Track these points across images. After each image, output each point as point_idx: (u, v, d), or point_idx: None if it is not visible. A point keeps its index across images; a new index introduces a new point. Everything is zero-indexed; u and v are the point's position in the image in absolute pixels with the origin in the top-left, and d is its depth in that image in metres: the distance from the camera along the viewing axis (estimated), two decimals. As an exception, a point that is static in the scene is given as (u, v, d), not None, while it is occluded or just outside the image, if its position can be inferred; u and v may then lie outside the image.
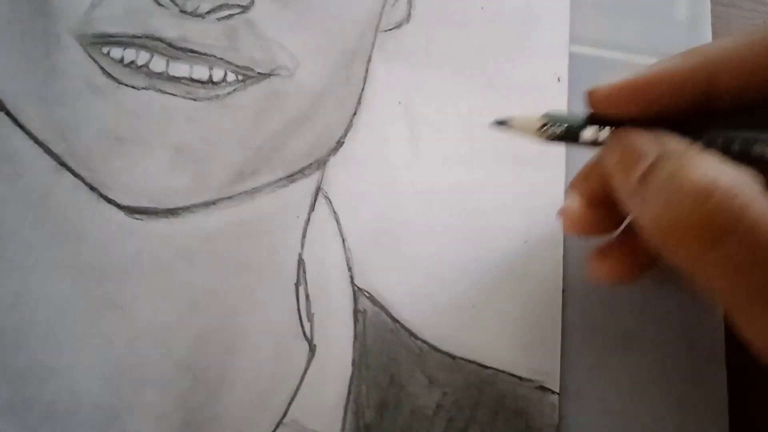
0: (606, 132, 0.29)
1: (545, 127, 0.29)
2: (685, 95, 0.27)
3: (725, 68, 0.27)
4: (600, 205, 0.30)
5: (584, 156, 0.35)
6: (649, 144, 0.26)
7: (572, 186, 0.32)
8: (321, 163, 0.34)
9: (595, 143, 0.29)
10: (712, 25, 0.40)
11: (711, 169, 0.24)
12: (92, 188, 0.31)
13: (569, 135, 0.29)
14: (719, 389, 0.34)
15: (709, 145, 0.26)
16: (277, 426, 0.30)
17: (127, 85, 0.32)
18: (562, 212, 0.31)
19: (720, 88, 0.27)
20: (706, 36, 0.40)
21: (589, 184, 0.30)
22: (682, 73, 0.27)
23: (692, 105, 0.27)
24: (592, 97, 0.29)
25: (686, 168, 0.24)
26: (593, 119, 0.29)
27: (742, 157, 0.25)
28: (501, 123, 0.31)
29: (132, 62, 0.33)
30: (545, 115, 0.30)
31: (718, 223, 0.23)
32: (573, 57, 0.38)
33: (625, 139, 0.27)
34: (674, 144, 0.26)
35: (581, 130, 0.29)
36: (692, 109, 0.27)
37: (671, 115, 0.27)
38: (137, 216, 0.31)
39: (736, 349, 0.33)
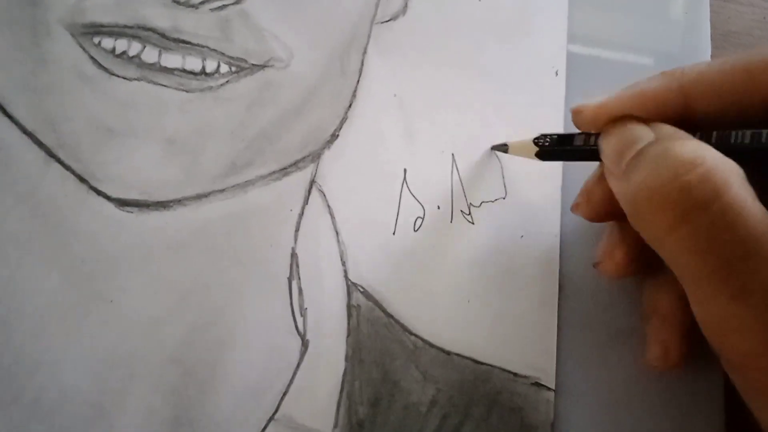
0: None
1: (539, 140, 0.32)
2: (662, 117, 0.28)
3: (699, 92, 0.28)
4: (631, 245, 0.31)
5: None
6: (643, 130, 0.27)
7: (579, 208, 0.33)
8: (315, 156, 0.33)
9: (590, 149, 0.30)
10: (711, 21, 0.40)
11: (698, 149, 0.24)
12: (82, 180, 0.31)
13: (563, 142, 0.31)
14: (715, 386, 0.34)
15: (701, 138, 0.27)
16: (269, 422, 0.30)
17: (118, 75, 0.32)
18: (600, 266, 0.32)
19: (695, 110, 0.28)
20: (704, 33, 0.40)
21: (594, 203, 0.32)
22: (658, 96, 0.28)
23: (670, 121, 0.28)
24: (575, 117, 0.31)
25: (675, 145, 0.25)
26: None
27: (724, 150, 0.25)
28: (499, 147, 0.34)
29: (123, 53, 0.32)
30: (539, 135, 0.32)
31: (694, 196, 0.23)
32: (570, 55, 0.38)
33: (621, 126, 0.28)
34: (667, 129, 0.27)
35: (573, 138, 0.31)
36: (671, 123, 0.28)
37: None
38: (127, 208, 0.31)
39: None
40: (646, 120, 0.28)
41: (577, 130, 0.32)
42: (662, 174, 0.24)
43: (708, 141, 0.26)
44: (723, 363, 0.26)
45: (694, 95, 0.28)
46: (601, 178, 0.31)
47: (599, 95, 0.30)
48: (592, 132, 0.30)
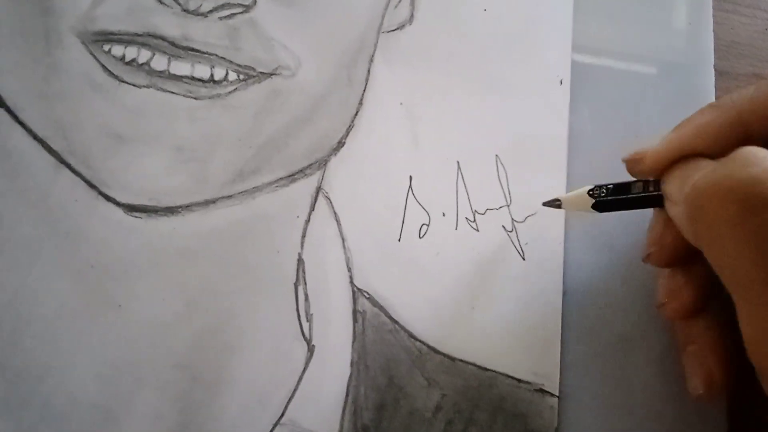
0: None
1: (594, 192, 0.31)
2: (722, 149, 0.26)
3: (757, 120, 0.26)
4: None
5: (585, 155, 0.35)
6: (706, 162, 0.26)
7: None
8: (322, 163, 0.34)
9: (648, 194, 0.29)
10: (714, 31, 0.40)
11: (765, 150, 0.23)
12: (91, 186, 0.31)
13: (620, 191, 0.30)
14: (719, 394, 0.34)
15: None
16: (275, 426, 0.30)
17: (128, 83, 0.32)
18: (665, 307, 0.31)
19: (755, 137, 0.26)
20: (707, 43, 0.40)
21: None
22: (718, 130, 0.27)
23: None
24: (633, 165, 0.30)
25: (744, 148, 0.23)
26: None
27: None
28: (551, 203, 0.33)
29: (133, 60, 0.32)
30: (594, 186, 0.31)
31: (762, 191, 0.22)
32: (575, 65, 0.38)
33: (685, 165, 0.27)
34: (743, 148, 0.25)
35: (630, 186, 0.30)
36: None
37: None
38: (136, 214, 0.31)
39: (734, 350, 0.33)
40: (710, 157, 0.27)
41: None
42: (728, 166, 0.23)
43: None
44: (764, 382, 0.24)
45: (751, 123, 0.26)
46: (667, 224, 0.29)
47: (653, 140, 0.29)
48: (651, 178, 0.30)
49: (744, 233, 0.22)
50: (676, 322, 0.32)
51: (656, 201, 0.29)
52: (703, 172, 0.24)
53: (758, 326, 0.22)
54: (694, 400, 0.30)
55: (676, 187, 0.27)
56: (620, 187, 0.31)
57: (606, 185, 0.31)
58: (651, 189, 0.30)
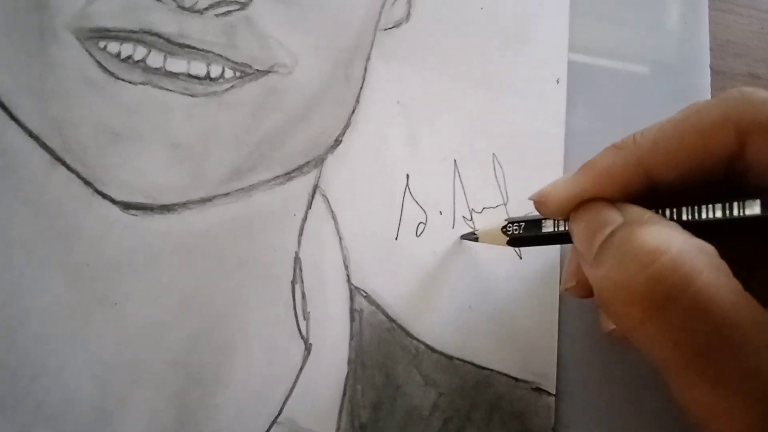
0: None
1: (507, 229, 0.31)
2: (627, 194, 0.27)
3: (657, 164, 0.27)
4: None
5: (581, 154, 0.35)
6: (612, 214, 0.26)
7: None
8: (319, 162, 0.34)
9: (559, 233, 0.30)
10: (710, 31, 0.41)
11: (663, 235, 0.23)
12: (87, 183, 0.31)
13: (531, 229, 0.31)
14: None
15: (672, 215, 0.26)
16: (272, 425, 0.30)
17: (123, 80, 0.32)
18: (567, 291, 0.31)
19: (658, 181, 0.27)
20: (703, 43, 0.40)
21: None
22: (620, 174, 0.27)
23: (636, 195, 0.27)
24: (539, 207, 0.29)
25: (640, 232, 0.24)
26: None
27: (697, 225, 0.25)
28: (468, 237, 0.34)
29: (129, 57, 0.32)
30: (506, 220, 0.32)
31: (662, 288, 0.22)
32: (571, 64, 0.38)
33: (589, 210, 0.27)
34: (636, 212, 0.26)
35: (541, 223, 0.30)
36: (637, 196, 0.27)
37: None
38: (132, 212, 0.31)
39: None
40: (612, 201, 0.27)
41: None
42: (627, 266, 0.23)
43: (678, 218, 0.26)
44: None
45: (652, 168, 0.27)
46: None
47: (558, 179, 0.29)
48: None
49: (653, 330, 0.23)
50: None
51: (568, 238, 0.29)
52: (604, 267, 0.25)
53: (693, 402, 0.23)
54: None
55: (580, 232, 0.27)
56: (532, 224, 0.31)
57: (519, 221, 0.31)
58: (561, 228, 0.30)
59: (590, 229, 0.26)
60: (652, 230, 0.24)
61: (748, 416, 0.22)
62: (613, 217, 0.26)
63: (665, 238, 0.23)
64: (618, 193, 0.27)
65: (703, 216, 0.25)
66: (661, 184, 0.27)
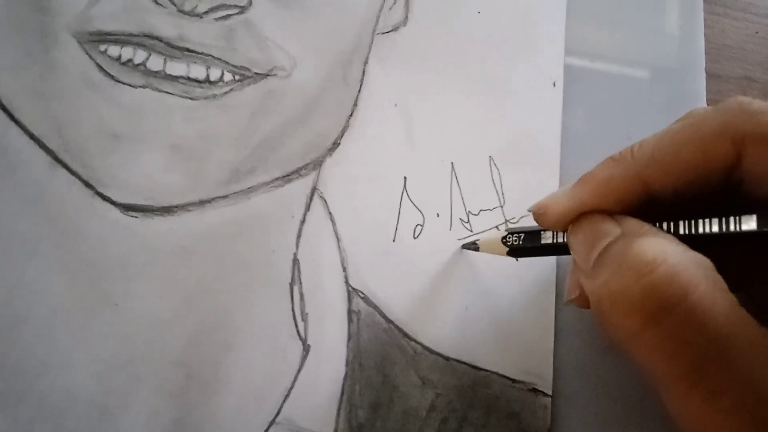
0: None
1: (507, 240, 0.31)
2: (625, 206, 0.27)
3: (655, 176, 0.27)
4: None
5: (577, 157, 0.36)
6: (610, 226, 0.26)
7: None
8: (317, 164, 0.34)
9: (557, 244, 0.30)
10: (705, 35, 0.41)
11: (661, 246, 0.23)
12: (88, 185, 0.31)
13: (531, 240, 0.31)
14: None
15: (669, 229, 0.26)
16: (271, 425, 0.30)
17: (123, 83, 0.32)
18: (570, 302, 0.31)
19: (655, 192, 0.27)
20: (698, 46, 0.41)
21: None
22: (618, 186, 0.27)
23: (634, 207, 0.27)
24: (538, 218, 0.30)
25: (637, 243, 0.24)
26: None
27: (694, 239, 0.25)
28: (469, 246, 0.34)
29: (129, 60, 0.33)
30: (506, 230, 0.32)
31: (658, 299, 0.22)
32: (568, 67, 0.38)
33: (587, 222, 0.28)
34: (634, 224, 0.26)
35: (540, 235, 0.30)
36: (635, 208, 0.27)
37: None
38: (132, 213, 0.31)
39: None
40: (610, 213, 0.27)
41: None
42: (624, 275, 0.23)
43: (675, 231, 0.26)
44: None
45: (650, 180, 0.27)
46: None
47: (557, 191, 0.30)
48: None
49: (648, 341, 0.23)
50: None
51: (567, 250, 0.29)
52: (601, 277, 0.25)
53: (685, 415, 0.23)
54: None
55: (578, 244, 0.27)
56: (531, 235, 0.31)
57: (518, 232, 0.31)
58: (560, 239, 0.30)
59: (588, 240, 0.27)
60: (650, 242, 0.24)
61: (740, 430, 0.22)
62: (611, 229, 0.26)
63: (662, 250, 0.23)
64: (616, 205, 0.27)
65: (700, 230, 0.25)
66: (659, 195, 0.27)
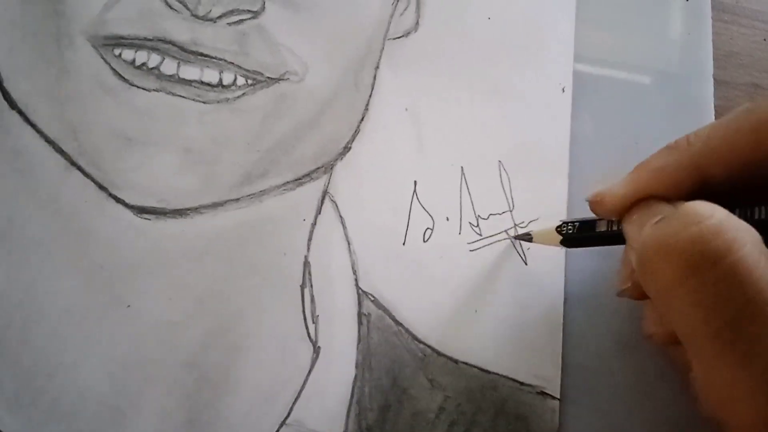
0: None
1: (561, 229, 0.32)
2: (680, 193, 0.27)
3: (711, 163, 0.27)
4: None
5: (586, 163, 0.36)
6: (665, 207, 0.27)
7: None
8: (328, 168, 0.34)
9: (612, 233, 0.30)
10: (713, 42, 0.41)
11: (712, 206, 0.23)
12: (101, 187, 0.32)
13: (585, 229, 0.31)
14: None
15: None
16: (281, 426, 0.31)
17: (137, 86, 0.33)
18: (650, 338, 0.31)
19: (710, 180, 0.27)
20: (706, 53, 0.41)
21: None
22: (673, 174, 0.28)
23: (689, 195, 0.27)
24: (595, 206, 0.30)
25: (689, 203, 0.24)
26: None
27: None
28: (523, 237, 0.34)
29: (143, 64, 0.33)
30: (561, 221, 0.32)
31: (703, 249, 0.22)
32: (577, 74, 0.38)
33: (643, 205, 0.28)
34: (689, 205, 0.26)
35: (595, 224, 0.31)
36: (690, 195, 0.27)
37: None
38: (145, 216, 0.32)
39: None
40: (667, 199, 0.27)
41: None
42: (672, 224, 0.23)
43: None
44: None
45: (705, 166, 0.27)
46: None
47: (614, 179, 0.30)
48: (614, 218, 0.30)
49: (687, 292, 0.23)
50: (671, 348, 0.31)
51: (621, 239, 0.29)
52: (650, 226, 0.25)
53: (715, 380, 0.23)
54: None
55: (633, 231, 0.28)
56: (586, 224, 0.31)
57: (573, 221, 0.32)
58: (615, 227, 0.30)
59: (642, 222, 0.27)
60: (702, 202, 0.24)
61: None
62: (666, 209, 0.26)
63: (713, 208, 0.23)
64: (671, 192, 0.27)
65: (756, 217, 0.26)
66: (715, 182, 0.27)
